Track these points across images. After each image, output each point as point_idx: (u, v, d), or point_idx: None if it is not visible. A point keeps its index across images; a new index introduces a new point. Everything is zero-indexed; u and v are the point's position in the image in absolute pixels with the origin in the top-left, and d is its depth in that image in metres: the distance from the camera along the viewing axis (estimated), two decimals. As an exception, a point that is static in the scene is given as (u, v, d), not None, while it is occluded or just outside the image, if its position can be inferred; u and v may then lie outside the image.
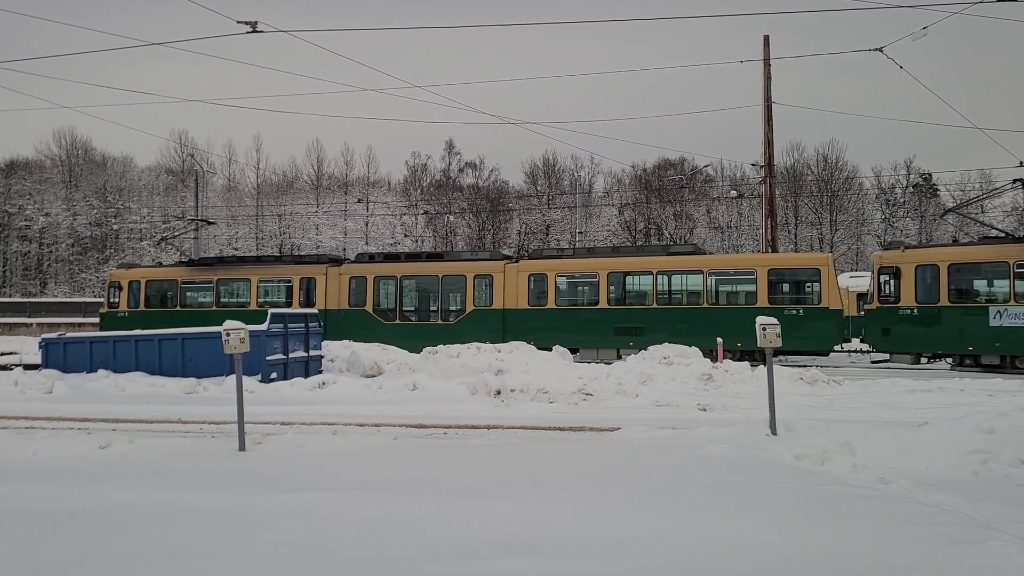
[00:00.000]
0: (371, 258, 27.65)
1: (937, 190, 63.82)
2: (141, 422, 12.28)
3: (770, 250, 28.27)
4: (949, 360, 21.02)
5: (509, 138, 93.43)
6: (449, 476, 7.39)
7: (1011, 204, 58.17)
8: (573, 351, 20.80)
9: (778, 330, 9.65)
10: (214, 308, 26.39)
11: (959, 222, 49.70)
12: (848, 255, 59.20)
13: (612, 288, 23.77)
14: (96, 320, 30.63)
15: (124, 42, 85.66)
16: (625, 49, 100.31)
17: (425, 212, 66.11)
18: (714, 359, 18.32)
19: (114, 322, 26.77)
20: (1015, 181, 24.45)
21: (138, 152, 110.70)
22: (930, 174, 64.30)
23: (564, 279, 24.32)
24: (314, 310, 19.37)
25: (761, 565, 4.69)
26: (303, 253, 48.32)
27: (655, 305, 23.21)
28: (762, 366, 13.90)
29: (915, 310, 20.83)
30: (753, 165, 36.79)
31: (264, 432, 10.62)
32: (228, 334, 9.53)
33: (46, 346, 17.74)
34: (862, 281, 33.17)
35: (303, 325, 17.41)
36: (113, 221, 67.84)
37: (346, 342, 19.89)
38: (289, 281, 26.48)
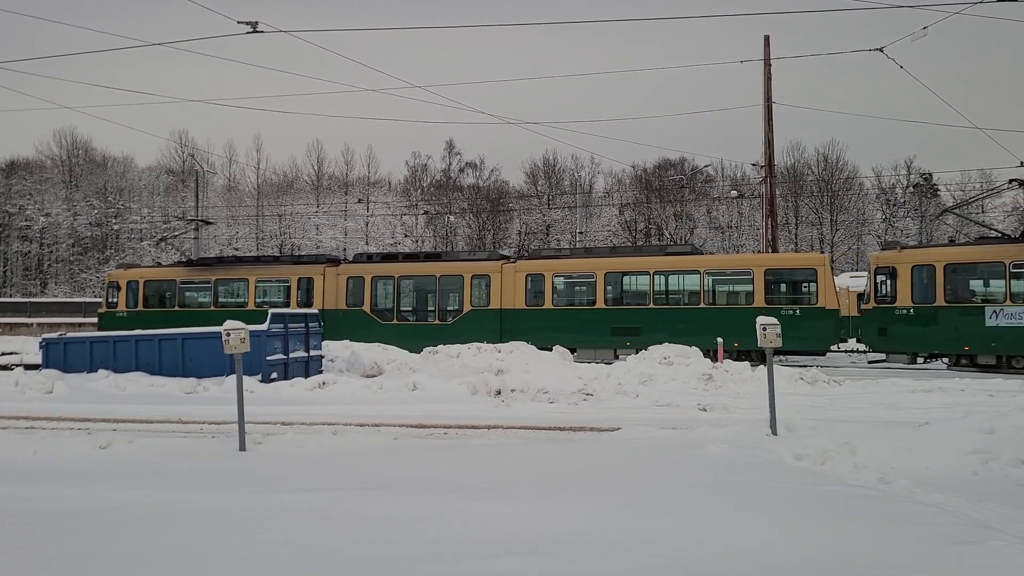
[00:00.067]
0: (369, 258, 27.68)
1: (937, 190, 63.79)
2: (141, 422, 12.28)
3: (771, 250, 28.28)
4: (945, 360, 21.08)
5: (509, 138, 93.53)
6: (449, 476, 7.38)
7: (1011, 204, 58.16)
8: (571, 351, 20.80)
9: (778, 330, 9.65)
10: (212, 308, 26.45)
11: (959, 222, 49.68)
12: (848, 255, 59.19)
13: (609, 288, 23.78)
14: (96, 320, 30.68)
15: (124, 42, 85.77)
16: (625, 49, 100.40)
17: (425, 212, 66.11)
18: (714, 359, 18.32)
19: (112, 322, 26.80)
20: (1011, 181, 24.55)
21: (138, 152, 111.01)
22: (930, 174, 64.32)
23: (561, 279, 24.33)
24: (314, 310, 19.38)
25: (761, 565, 4.69)
26: (303, 253, 48.34)
27: (652, 305, 23.22)
28: (762, 366, 13.90)
29: (912, 310, 20.87)
30: (753, 165, 36.84)
31: (264, 432, 10.62)
32: (228, 334, 9.53)
33: (46, 346, 17.75)
34: (862, 281, 33.16)
35: (303, 325, 17.41)
36: (113, 221, 67.85)
37: (346, 342, 19.89)
38: (287, 281, 26.51)
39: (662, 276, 23.51)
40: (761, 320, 9.73)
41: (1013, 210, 58.32)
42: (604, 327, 23.39)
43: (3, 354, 26.42)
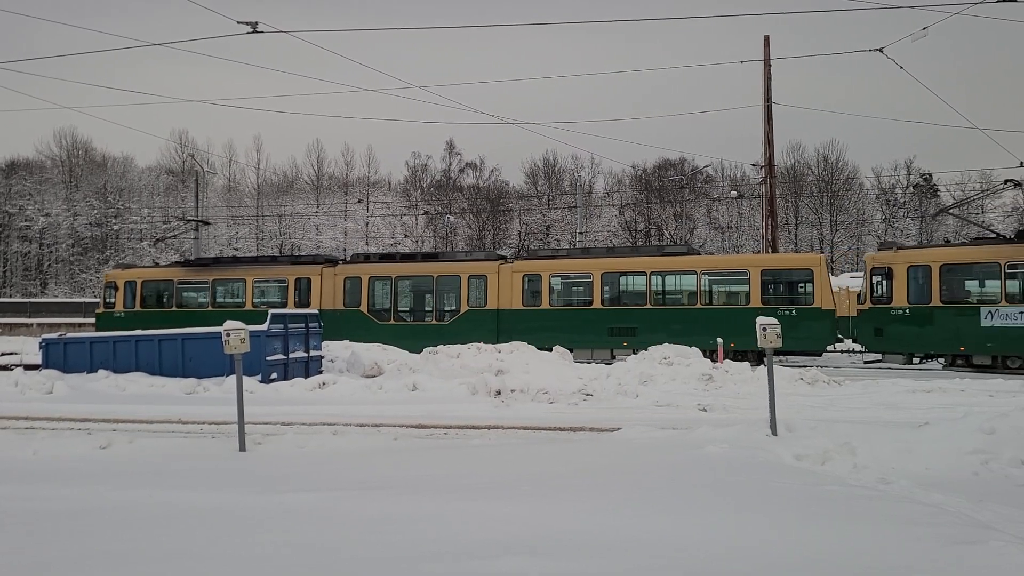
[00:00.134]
0: (366, 258, 27.71)
1: (937, 190, 63.79)
2: (141, 422, 12.28)
3: (771, 250, 28.28)
4: (941, 360, 21.13)
5: (509, 138, 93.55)
6: (449, 476, 7.38)
7: (1011, 204, 58.16)
8: (568, 351, 20.80)
9: (778, 330, 9.65)
10: (210, 308, 26.49)
11: (958, 222, 49.72)
12: (848, 255, 59.18)
13: (606, 288, 23.81)
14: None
15: (124, 42, 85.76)
16: (626, 49, 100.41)
17: (425, 212, 66.11)
18: (712, 359, 18.33)
19: (110, 322, 26.83)
20: (1007, 182, 24.68)
21: (138, 152, 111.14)
22: (930, 174, 64.33)
23: (558, 279, 24.36)
24: (314, 310, 19.38)
25: (761, 565, 4.69)
26: (302, 253, 48.38)
27: (649, 305, 23.24)
28: (762, 366, 13.90)
29: (907, 310, 20.92)
30: (753, 165, 36.83)
31: (264, 432, 10.63)
32: (228, 334, 9.52)
33: (46, 346, 17.74)
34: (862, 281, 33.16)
35: (303, 325, 17.41)
36: (113, 221, 67.86)
37: (346, 342, 19.89)
38: (284, 281, 26.54)
39: (659, 276, 23.54)
40: (761, 320, 9.73)
41: (1013, 210, 58.32)
42: (601, 327, 23.41)
43: (3, 354, 26.41)
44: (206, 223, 42.24)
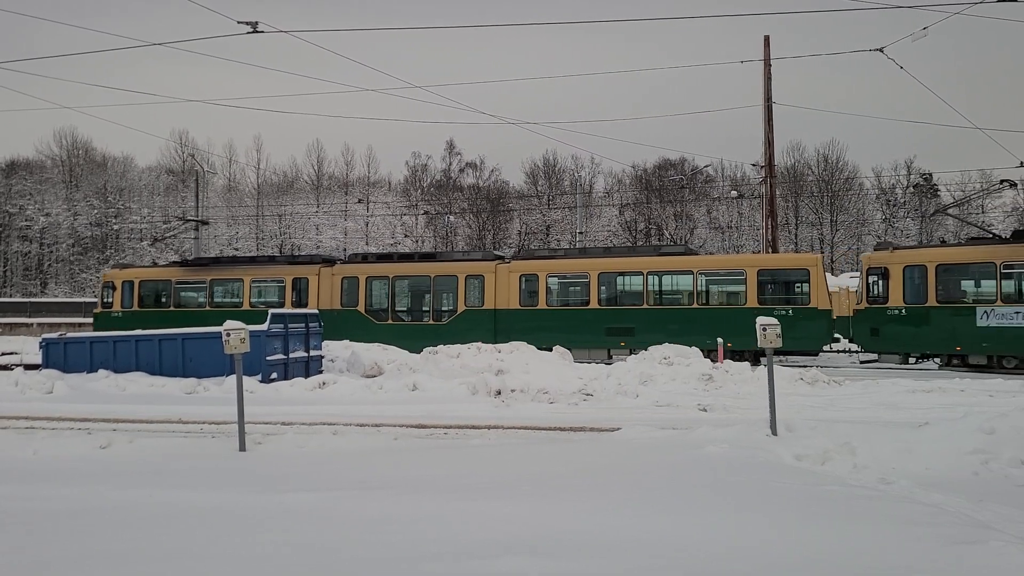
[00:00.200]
0: (363, 258, 27.73)
1: (938, 190, 63.77)
2: (141, 422, 12.28)
3: (771, 250, 28.29)
4: (937, 360, 21.16)
5: (509, 138, 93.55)
6: (449, 476, 7.38)
7: (1011, 204, 58.14)
8: (565, 351, 20.80)
9: (778, 330, 9.65)
10: (207, 308, 26.53)
11: (959, 223, 49.73)
12: (848, 255, 59.17)
13: (603, 288, 23.83)
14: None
15: (124, 42, 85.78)
16: (626, 49, 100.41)
17: (426, 212, 66.12)
18: (713, 359, 18.32)
19: (108, 322, 26.87)
20: (1003, 182, 24.76)
21: (139, 152, 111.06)
22: (930, 174, 64.33)
23: (555, 279, 24.37)
24: (314, 310, 19.38)
25: (761, 565, 4.69)
26: (302, 253, 48.39)
27: (646, 305, 23.26)
28: (762, 367, 13.90)
29: (903, 310, 20.95)
30: (753, 165, 36.86)
31: (264, 432, 10.63)
32: (228, 334, 9.52)
33: (46, 346, 17.74)
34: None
35: (303, 325, 17.41)
36: (113, 221, 67.87)
37: (346, 342, 19.90)
38: (282, 281, 26.56)
39: (655, 276, 23.56)
40: (761, 320, 9.73)
41: (1013, 210, 58.30)
42: (598, 327, 23.43)
43: (3, 354, 26.42)
44: (204, 223, 42.23)
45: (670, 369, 16.65)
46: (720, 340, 20.01)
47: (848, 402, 13.49)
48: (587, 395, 14.52)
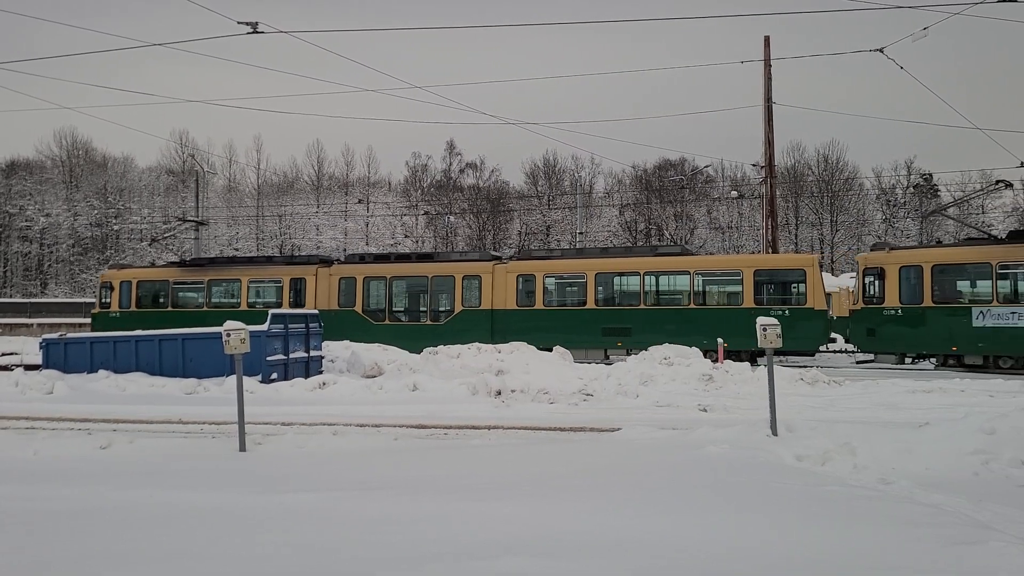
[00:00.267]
0: (361, 259, 27.76)
1: (938, 190, 63.76)
2: (142, 422, 12.28)
3: (771, 250, 28.30)
4: (933, 360, 21.17)
5: (510, 138, 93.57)
6: (449, 476, 7.38)
7: (1011, 205, 58.12)
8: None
9: (779, 330, 9.63)
10: (205, 308, 26.56)
11: (958, 223, 49.73)
12: (849, 255, 59.15)
13: (600, 289, 23.86)
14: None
15: (124, 42, 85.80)
16: (625, 50, 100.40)
17: (426, 213, 66.12)
18: (712, 359, 18.32)
19: (105, 322, 26.90)
20: (998, 182, 24.85)
21: (139, 152, 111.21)
22: (931, 174, 64.33)
23: (552, 280, 24.39)
24: (315, 310, 19.38)
25: (762, 566, 4.69)
26: (299, 254, 48.42)
27: (643, 306, 23.28)
28: (762, 367, 13.90)
29: (899, 311, 20.97)
30: (754, 165, 36.84)
31: (264, 432, 10.63)
32: (229, 334, 9.52)
33: (47, 346, 17.74)
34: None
35: (303, 325, 17.41)
36: (114, 222, 67.88)
37: (346, 342, 19.90)
38: (279, 282, 26.58)
39: (652, 277, 23.60)
40: (761, 320, 9.72)
41: (1013, 210, 58.29)
42: (595, 327, 23.45)
43: (3, 354, 26.40)
44: (203, 223, 42.23)
45: (670, 369, 16.65)
46: (720, 340, 20.02)
47: (848, 402, 13.49)
48: (587, 395, 14.52)
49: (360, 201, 67.71)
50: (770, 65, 28.14)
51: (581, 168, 68.48)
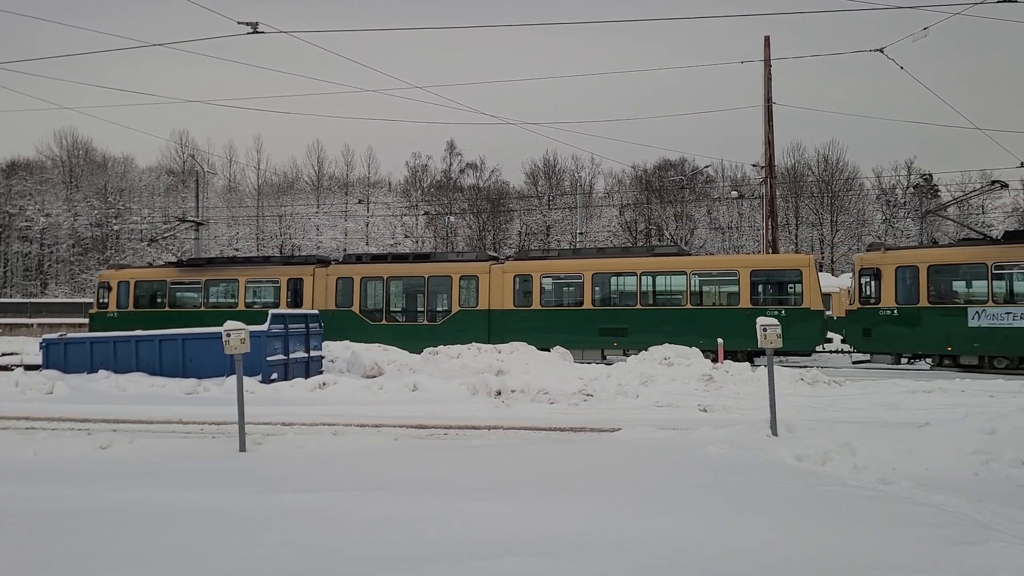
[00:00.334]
0: (358, 259, 27.77)
1: (938, 190, 63.76)
2: (142, 423, 12.28)
3: (771, 251, 28.30)
4: (929, 360, 21.17)
5: (510, 138, 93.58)
6: (449, 476, 7.38)
7: (1012, 205, 58.12)
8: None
9: (779, 331, 9.63)
10: (203, 308, 26.58)
11: (957, 222, 49.73)
12: (849, 256, 59.14)
13: (597, 289, 23.88)
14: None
15: (124, 42, 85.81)
16: (625, 50, 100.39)
17: (426, 213, 66.13)
18: (713, 360, 18.32)
19: (103, 323, 26.90)
20: (994, 183, 24.92)
21: (139, 153, 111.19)
22: (931, 174, 64.33)
23: (549, 280, 24.40)
24: (315, 311, 19.38)
25: (762, 566, 4.69)
26: (297, 254, 48.43)
27: (639, 306, 23.29)
28: (762, 367, 13.90)
29: (895, 311, 20.99)
30: (754, 166, 36.89)
31: (264, 432, 10.62)
32: (229, 335, 9.52)
33: (47, 346, 17.74)
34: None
35: (303, 325, 17.41)
36: (114, 222, 67.88)
37: (346, 342, 19.92)
38: (276, 282, 26.59)
39: (649, 277, 23.60)
40: (761, 321, 9.72)
41: (1013, 211, 58.28)
42: (592, 327, 23.47)
43: (3, 354, 26.40)
44: (203, 223, 42.24)
45: (670, 369, 16.65)
46: (720, 340, 20.02)
47: (848, 402, 13.48)
48: (587, 395, 14.52)
49: (360, 201, 67.70)
50: (770, 65, 28.17)
51: (581, 168, 68.59)
